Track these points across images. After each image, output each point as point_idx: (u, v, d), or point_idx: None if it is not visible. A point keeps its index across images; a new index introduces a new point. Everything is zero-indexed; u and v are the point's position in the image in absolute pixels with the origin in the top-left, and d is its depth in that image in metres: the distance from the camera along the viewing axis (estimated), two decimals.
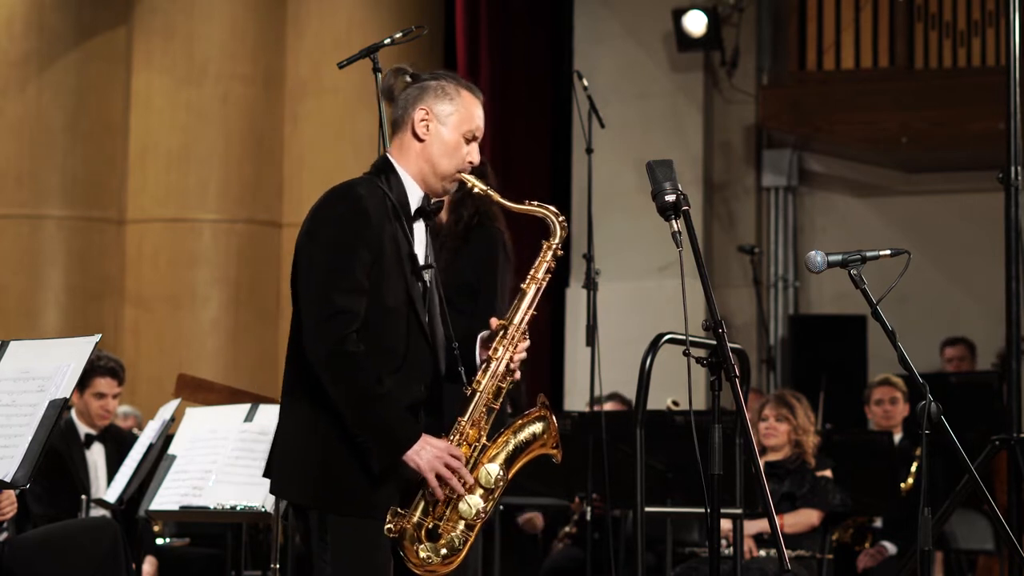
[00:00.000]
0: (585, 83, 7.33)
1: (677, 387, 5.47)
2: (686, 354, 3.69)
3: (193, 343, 10.39)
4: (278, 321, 10.56)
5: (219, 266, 10.37)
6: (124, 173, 10.61)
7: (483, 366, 3.80)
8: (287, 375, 3.79)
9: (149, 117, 10.55)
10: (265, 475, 3.82)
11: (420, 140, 3.81)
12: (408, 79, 3.91)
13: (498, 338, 3.80)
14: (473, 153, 3.83)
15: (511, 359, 3.80)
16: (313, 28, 10.63)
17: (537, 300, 3.85)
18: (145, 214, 10.54)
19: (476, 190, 3.86)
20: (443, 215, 5.60)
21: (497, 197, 3.90)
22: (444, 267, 5.37)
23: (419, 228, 3.83)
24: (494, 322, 3.83)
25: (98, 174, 10.56)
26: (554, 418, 3.84)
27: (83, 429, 6.66)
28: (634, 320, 9.95)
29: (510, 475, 3.79)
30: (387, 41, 5.17)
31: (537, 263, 3.86)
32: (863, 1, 10.57)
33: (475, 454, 3.76)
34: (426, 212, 3.83)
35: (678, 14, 10.70)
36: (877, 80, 10.59)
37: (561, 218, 3.88)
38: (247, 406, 5.49)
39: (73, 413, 6.66)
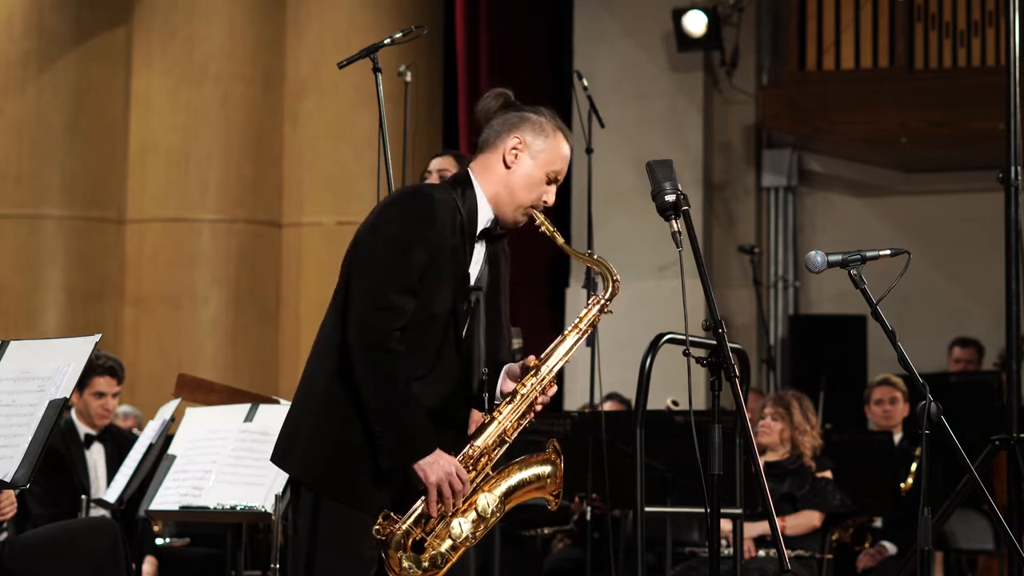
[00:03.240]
0: (585, 83, 7.33)
1: (677, 387, 5.47)
2: (686, 354, 3.69)
3: (193, 343, 10.38)
4: (278, 321, 10.56)
5: (219, 266, 10.37)
6: (124, 173, 10.61)
7: (509, 398, 3.81)
8: (317, 352, 3.79)
9: (149, 117, 10.55)
10: (277, 443, 3.83)
11: (507, 167, 3.82)
12: (504, 103, 3.91)
13: (530, 374, 3.82)
14: (550, 194, 3.85)
15: (536, 400, 3.81)
16: (313, 28, 10.63)
17: (576, 350, 3.86)
18: (145, 214, 10.54)
19: (543, 229, 3.87)
20: None
21: (561, 242, 3.89)
22: None
23: (479, 249, 3.84)
24: (531, 360, 3.84)
25: (98, 174, 10.55)
26: (562, 466, 3.85)
27: (83, 429, 6.66)
28: (634, 320, 9.95)
29: (506, 508, 3.80)
30: (387, 41, 5.17)
31: (584, 314, 3.87)
32: (863, 1, 10.57)
33: (479, 480, 3.77)
34: (491, 235, 3.85)
35: (678, 14, 10.71)
36: (877, 80, 10.59)
37: (616, 276, 3.88)
38: (247, 406, 5.48)
39: (73, 413, 6.66)
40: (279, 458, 3.83)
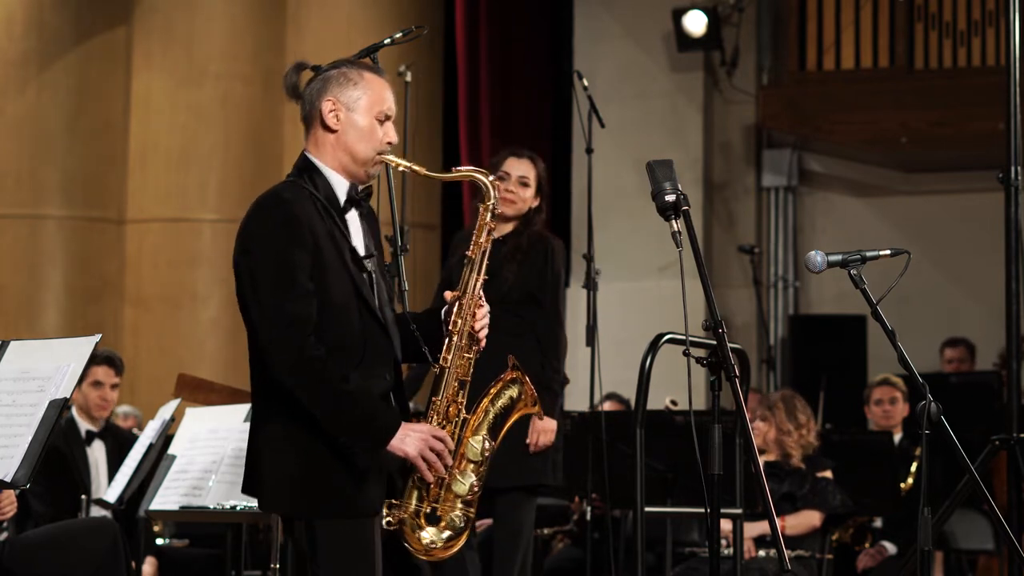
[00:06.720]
0: (585, 83, 7.32)
1: (677, 387, 5.47)
2: (686, 354, 3.69)
3: (193, 343, 10.38)
4: None
5: (219, 266, 10.36)
6: (124, 173, 10.61)
7: (446, 342, 3.80)
8: (254, 392, 3.77)
9: (149, 117, 10.55)
10: (245, 491, 3.78)
11: (332, 131, 3.79)
12: (310, 72, 3.92)
13: (455, 311, 3.80)
14: (389, 133, 3.81)
15: (472, 328, 3.79)
16: (313, 28, 10.63)
17: (485, 264, 3.83)
18: (145, 214, 10.54)
19: (401, 168, 3.85)
20: (503, 228, 5.57)
21: (423, 172, 3.87)
22: (514, 279, 5.45)
23: (353, 218, 3.81)
24: (448, 295, 3.83)
25: (98, 174, 10.55)
26: (526, 376, 3.86)
27: (84, 426, 6.66)
28: (634, 320, 9.95)
29: (496, 443, 3.81)
30: (387, 41, 5.16)
31: (477, 227, 3.85)
32: (863, 1, 10.57)
33: (457, 430, 3.77)
34: (356, 201, 3.81)
35: (678, 14, 10.71)
36: (877, 80, 10.59)
37: (491, 177, 3.88)
38: (247, 406, 5.47)
39: (73, 410, 6.66)
40: (264, 503, 3.74)
